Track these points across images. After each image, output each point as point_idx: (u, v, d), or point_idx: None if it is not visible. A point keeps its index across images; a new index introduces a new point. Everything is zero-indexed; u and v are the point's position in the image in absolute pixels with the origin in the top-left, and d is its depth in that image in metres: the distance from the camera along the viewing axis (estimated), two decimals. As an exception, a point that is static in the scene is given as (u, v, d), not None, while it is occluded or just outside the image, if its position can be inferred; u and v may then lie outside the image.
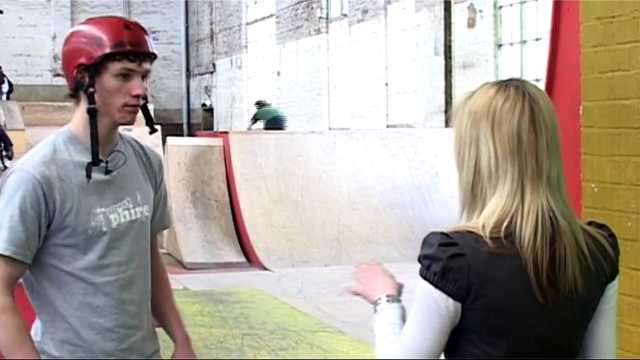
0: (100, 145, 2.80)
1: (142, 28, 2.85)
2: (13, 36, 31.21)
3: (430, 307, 2.00)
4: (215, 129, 28.32)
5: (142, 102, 2.84)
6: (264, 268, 12.10)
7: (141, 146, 3.03)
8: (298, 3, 23.40)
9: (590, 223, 2.14)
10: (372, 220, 13.08)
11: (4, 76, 25.95)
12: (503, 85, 2.08)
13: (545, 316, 2.02)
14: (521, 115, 2.03)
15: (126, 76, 2.78)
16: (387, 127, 18.43)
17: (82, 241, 2.77)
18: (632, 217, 4.44)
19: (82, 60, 2.77)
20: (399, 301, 2.20)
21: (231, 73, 29.11)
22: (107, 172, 2.83)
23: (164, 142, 14.09)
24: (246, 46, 28.09)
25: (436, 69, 16.58)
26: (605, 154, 4.62)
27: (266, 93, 26.01)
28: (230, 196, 13.25)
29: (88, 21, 2.88)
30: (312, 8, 22.66)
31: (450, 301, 1.99)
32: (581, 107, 4.83)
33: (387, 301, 2.22)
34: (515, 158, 2.02)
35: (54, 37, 31.34)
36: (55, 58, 30.91)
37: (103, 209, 2.80)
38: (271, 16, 25.67)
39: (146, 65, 2.82)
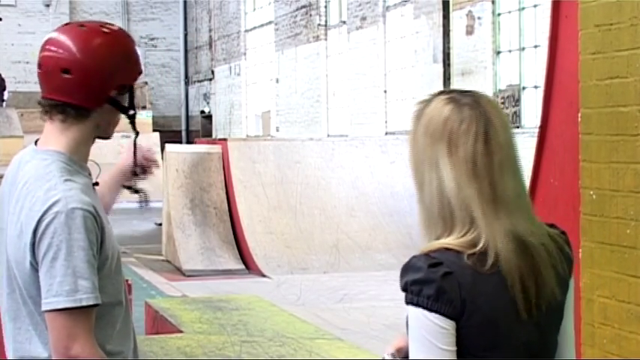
0: (85, 162, 2.67)
1: None
2: (11, 43, 31.22)
3: (431, 331, 1.97)
4: (214, 136, 28.32)
5: None
6: (263, 275, 12.10)
7: None
8: (297, 10, 23.42)
9: None
10: (371, 227, 13.08)
11: (4, 81, 26.01)
12: (458, 103, 2.05)
13: (531, 323, 2.04)
14: (475, 138, 2.01)
15: None
16: (386, 134, 18.42)
17: (115, 265, 2.60)
18: (630, 224, 4.45)
19: (125, 81, 2.64)
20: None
21: (229, 80, 29.12)
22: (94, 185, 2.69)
23: (163, 149, 14.09)
24: (244, 53, 28.11)
25: (435, 76, 16.59)
26: (604, 161, 4.63)
27: (265, 100, 26.02)
28: (229, 203, 13.25)
29: (111, 33, 2.67)
30: (310, 15, 22.68)
31: (447, 320, 1.97)
32: (579, 114, 4.83)
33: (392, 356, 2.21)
34: (473, 181, 2.01)
35: (53, 44, 31.34)
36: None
37: (109, 225, 2.64)
38: (270, 23, 25.68)
39: None
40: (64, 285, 2.43)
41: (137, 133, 2.78)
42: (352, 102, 20.34)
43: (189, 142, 27.89)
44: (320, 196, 13.31)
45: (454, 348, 1.97)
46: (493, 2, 15.20)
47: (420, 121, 2.07)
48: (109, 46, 2.63)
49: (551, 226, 2.17)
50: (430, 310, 1.96)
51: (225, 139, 15.00)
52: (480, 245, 1.99)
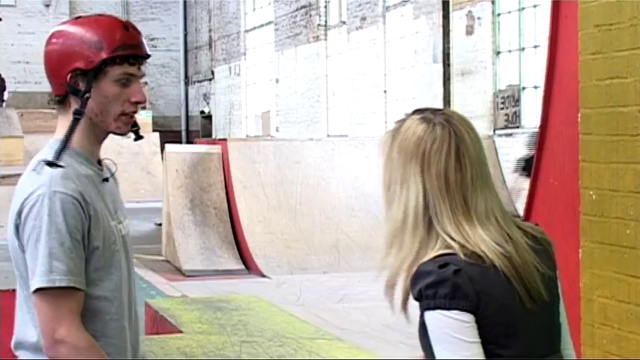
0: (91, 155, 2.65)
1: (137, 28, 2.68)
2: (11, 43, 31.23)
3: (455, 328, 2.04)
4: (213, 136, 28.32)
5: (139, 109, 2.66)
6: (263, 276, 12.09)
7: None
8: (297, 10, 23.42)
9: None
10: (371, 228, 13.07)
11: (4, 81, 26.02)
12: (431, 123, 2.15)
13: (538, 309, 2.13)
14: (447, 156, 2.12)
15: (125, 81, 2.59)
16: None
17: (108, 259, 2.58)
18: (630, 225, 4.45)
19: (79, 64, 2.55)
20: None
21: (229, 81, 29.12)
22: (104, 181, 2.66)
23: (162, 149, 14.09)
24: (244, 54, 28.11)
25: (434, 76, 16.59)
26: (604, 162, 4.63)
27: (264, 100, 26.02)
28: (229, 204, 13.25)
29: (79, 20, 2.65)
30: (310, 15, 22.68)
31: (467, 314, 2.04)
32: (579, 114, 4.83)
33: None
34: (446, 197, 2.11)
35: (52, 45, 31.36)
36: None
37: (114, 222, 2.63)
38: (270, 23, 25.69)
39: (143, 69, 2.66)
40: (41, 266, 2.46)
41: (80, 113, 2.59)
42: (352, 102, 20.34)
43: (189, 142, 27.89)
44: (320, 197, 13.31)
45: (479, 340, 2.04)
46: (493, 2, 15.21)
47: (395, 140, 2.18)
48: (66, 32, 2.63)
49: (524, 220, 2.33)
50: (449, 308, 2.03)
51: (225, 140, 15.00)
52: (469, 248, 2.09)
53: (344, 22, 21.06)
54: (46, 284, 2.46)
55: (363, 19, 19.82)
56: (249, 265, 12.56)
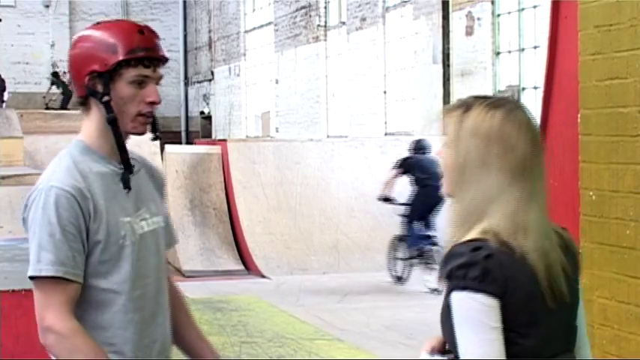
0: (108, 154, 2.72)
1: (154, 32, 2.77)
2: (11, 44, 31.20)
3: (480, 311, 2.07)
4: (213, 137, 28.32)
5: (155, 109, 2.73)
6: (263, 276, 12.10)
7: (142, 158, 2.89)
8: (297, 11, 23.42)
9: None
10: (371, 228, 13.08)
11: (3, 82, 26.01)
12: (506, 108, 2.17)
13: (560, 308, 2.18)
14: (527, 142, 2.14)
15: (140, 83, 2.68)
16: (386, 134, 18.43)
17: (115, 253, 2.65)
18: (630, 225, 4.45)
19: (95, 67, 2.66)
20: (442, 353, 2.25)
21: (229, 81, 29.12)
22: (122, 179, 2.72)
23: (162, 149, 14.10)
24: (244, 54, 28.10)
25: (434, 77, 16.59)
26: (604, 162, 4.63)
27: (264, 101, 26.02)
28: (228, 204, 13.26)
29: (98, 25, 2.78)
30: (310, 16, 22.67)
31: (492, 299, 2.07)
32: (579, 115, 4.83)
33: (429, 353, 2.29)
34: (520, 181, 2.13)
35: (52, 45, 31.36)
36: (54, 65, 30.94)
37: (128, 218, 2.69)
38: (270, 24, 25.69)
39: (159, 71, 2.74)
40: (32, 256, 2.60)
41: (113, 118, 2.68)
42: (352, 103, 20.34)
43: (188, 142, 27.89)
44: (319, 197, 13.32)
45: (501, 325, 2.08)
46: (493, 3, 15.20)
47: (463, 125, 2.17)
48: (87, 36, 2.75)
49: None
50: (477, 290, 2.06)
51: (224, 140, 15.02)
52: (511, 237, 2.12)
53: (344, 23, 21.06)
54: (33, 273, 2.58)
55: (363, 19, 19.82)
56: (248, 266, 12.57)
